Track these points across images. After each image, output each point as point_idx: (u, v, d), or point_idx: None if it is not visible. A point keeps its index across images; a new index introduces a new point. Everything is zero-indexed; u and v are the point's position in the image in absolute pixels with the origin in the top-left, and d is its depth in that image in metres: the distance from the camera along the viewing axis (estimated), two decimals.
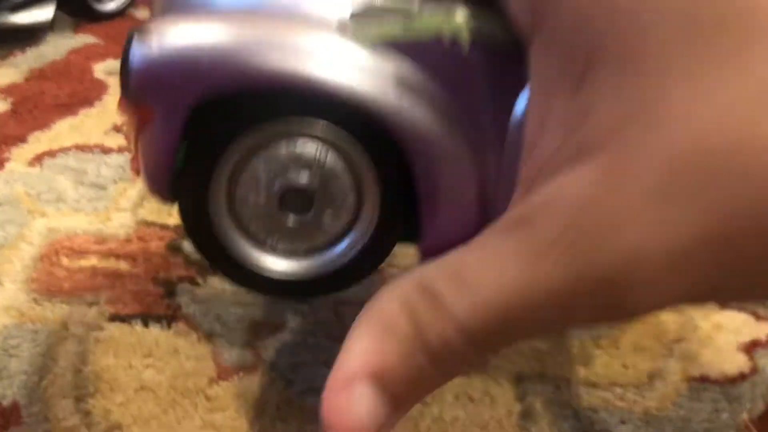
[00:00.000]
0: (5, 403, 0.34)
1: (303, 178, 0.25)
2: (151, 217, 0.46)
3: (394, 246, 0.27)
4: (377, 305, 0.21)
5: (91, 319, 0.38)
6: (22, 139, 0.52)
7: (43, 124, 0.54)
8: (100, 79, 0.61)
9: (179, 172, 0.25)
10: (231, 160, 0.25)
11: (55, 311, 0.39)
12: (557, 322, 0.19)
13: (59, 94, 0.58)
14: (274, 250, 0.27)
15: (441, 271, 0.20)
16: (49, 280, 0.41)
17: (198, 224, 0.26)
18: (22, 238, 0.43)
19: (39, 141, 0.52)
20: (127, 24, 0.71)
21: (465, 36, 0.22)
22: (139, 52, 0.23)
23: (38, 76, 0.61)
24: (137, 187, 0.49)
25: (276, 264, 0.28)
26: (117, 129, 0.55)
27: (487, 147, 0.23)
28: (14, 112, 0.55)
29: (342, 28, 0.23)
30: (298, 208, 0.26)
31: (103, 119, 0.56)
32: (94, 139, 0.53)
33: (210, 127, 0.24)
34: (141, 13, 0.76)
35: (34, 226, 0.44)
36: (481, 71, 0.23)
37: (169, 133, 0.24)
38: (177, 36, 0.23)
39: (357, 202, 0.26)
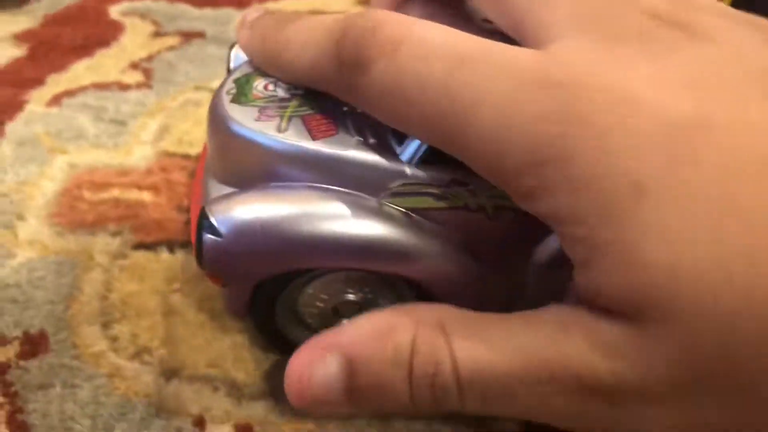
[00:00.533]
0: (33, 331, 0.33)
1: (351, 296, 0.29)
2: (172, 148, 0.45)
3: None
4: (394, 316, 0.22)
5: (115, 249, 0.38)
6: (40, 81, 0.51)
7: (60, 66, 0.53)
8: (117, 20, 0.60)
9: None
10: (291, 290, 0.29)
11: (79, 243, 0.38)
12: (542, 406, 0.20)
13: (75, 37, 0.57)
14: None
15: (463, 318, 0.21)
16: (72, 214, 0.40)
17: (266, 327, 0.31)
18: (43, 175, 0.43)
19: (57, 83, 0.51)
20: None
21: (489, 208, 0.25)
22: (210, 235, 0.25)
23: (53, 21, 0.60)
24: (157, 120, 0.48)
25: None
26: (134, 66, 0.54)
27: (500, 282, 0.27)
28: (31, 57, 0.54)
29: (382, 202, 0.26)
30: (349, 313, 0.29)
31: (120, 59, 0.55)
32: (111, 77, 0.52)
33: (272, 279, 0.27)
34: None
35: (55, 163, 0.43)
36: (500, 228, 0.26)
37: (240, 294, 0.28)
38: (245, 222, 0.25)
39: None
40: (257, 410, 0.30)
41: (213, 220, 0.25)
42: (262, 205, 0.26)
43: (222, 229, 0.25)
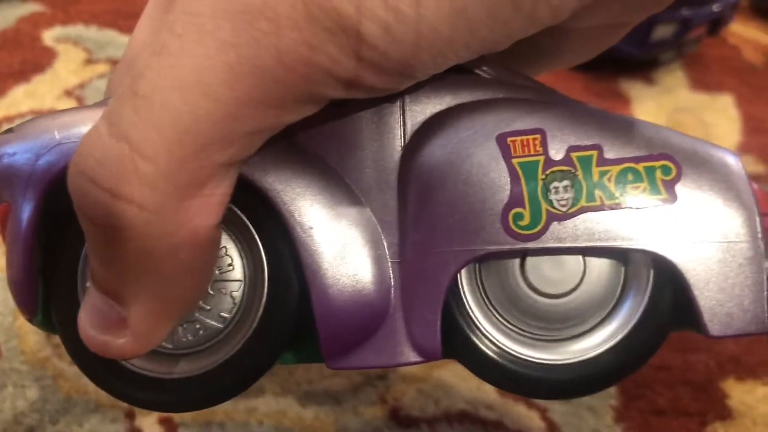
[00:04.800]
0: None
1: None
2: None
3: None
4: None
5: None
6: None
7: None
8: (50, 47, 0.65)
9: None
10: None
11: None
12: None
13: (12, 62, 0.62)
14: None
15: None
16: None
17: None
18: None
19: None
20: None
21: None
22: None
23: None
24: None
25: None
26: (68, 93, 0.59)
27: None
28: None
29: None
30: None
31: (54, 85, 0.60)
32: (48, 104, 0.58)
33: None
34: None
35: None
36: None
37: None
38: None
39: None
40: None
41: None
42: None
43: None
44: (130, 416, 0.37)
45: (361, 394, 0.39)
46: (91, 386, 0.37)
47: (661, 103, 0.70)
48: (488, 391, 0.40)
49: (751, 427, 0.40)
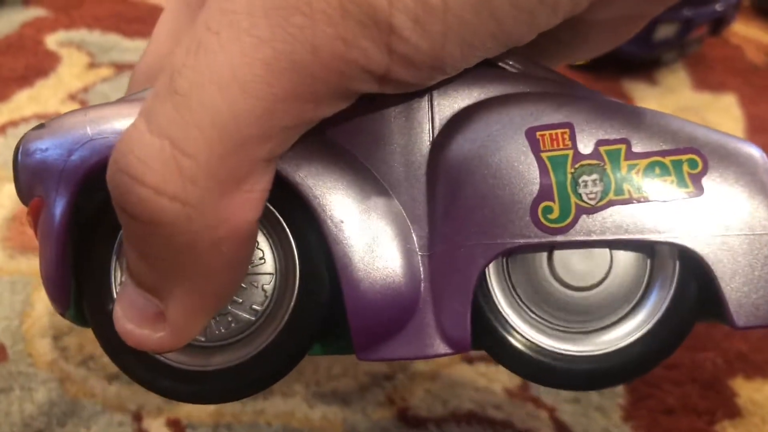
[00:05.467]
0: None
1: None
2: None
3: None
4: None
5: None
6: None
7: (3, 96, 0.58)
8: (53, 51, 0.65)
9: None
10: None
11: (29, 264, 0.44)
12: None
13: (15, 66, 0.62)
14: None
15: None
16: (22, 238, 0.46)
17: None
18: None
19: (0, 113, 0.57)
20: None
21: None
22: None
23: None
24: None
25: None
26: (72, 97, 0.59)
27: None
28: None
29: None
30: None
31: (58, 89, 0.60)
32: (52, 107, 0.58)
33: None
34: None
35: (4, 190, 0.49)
36: None
37: None
38: None
39: None
40: (185, 406, 0.37)
41: None
42: None
43: None
44: (138, 418, 0.37)
45: (369, 394, 0.39)
46: (98, 388, 0.37)
47: (663, 103, 0.70)
48: (496, 392, 0.40)
49: (760, 425, 0.40)
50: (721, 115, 0.69)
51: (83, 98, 0.59)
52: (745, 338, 0.44)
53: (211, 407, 0.37)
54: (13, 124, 0.56)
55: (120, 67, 0.64)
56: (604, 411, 0.40)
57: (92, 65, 0.64)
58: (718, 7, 0.69)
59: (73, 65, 0.63)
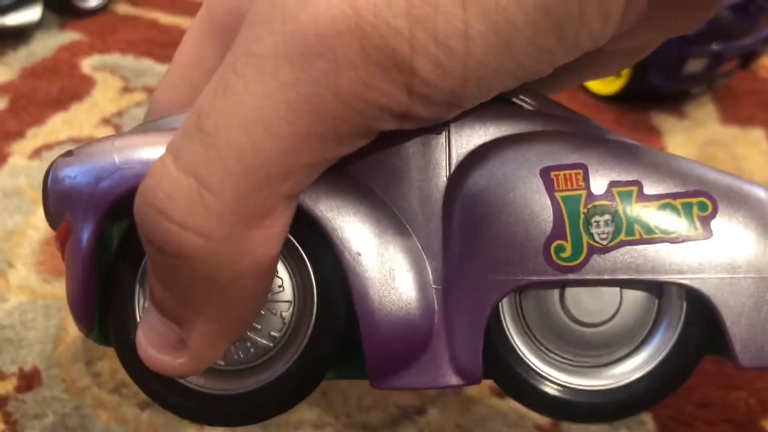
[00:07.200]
0: (27, 368, 0.40)
1: None
2: None
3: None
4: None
5: None
6: (21, 134, 0.57)
7: (38, 119, 0.59)
8: (88, 75, 0.66)
9: None
10: None
11: (63, 289, 0.44)
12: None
13: (51, 90, 0.63)
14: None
15: None
16: (56, 262, 0.46)
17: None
18: (29, 225, 0.49)
19: (36, 136, 0.58)
20: (108, 19, 0.76)
21: None
22: None
23: (30, 73, 0.66)
24: None
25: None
26: (106, 121, 0.60)
27: None
28: (11, 109, 0.61)
29: None
30: None
31: (93, 113, 0.61)
32: (86, 131, 0.59)
33: None
34: (121, 7, 0.81)
35: (38, 214, 0.50)
36: None
37: None
38: None
39: None
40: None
41: None
42: None
43: None
44: None
45: (400, 427, 0.39)
46: (130, 415, 0.37)
47: (692, 136, 0.70)
48: (527, 426, 0.40)
49: None
50: (750, 148, 0.68)
51: (117, 122, 0.60)
52: None
53: None
54: (48, 147, 0.56)
55: (153, 92, 0.65)
56: None
57: (126, 89, 0.65)
58: (748, 41, 0.69)
59: (107, 89, 0.64)
